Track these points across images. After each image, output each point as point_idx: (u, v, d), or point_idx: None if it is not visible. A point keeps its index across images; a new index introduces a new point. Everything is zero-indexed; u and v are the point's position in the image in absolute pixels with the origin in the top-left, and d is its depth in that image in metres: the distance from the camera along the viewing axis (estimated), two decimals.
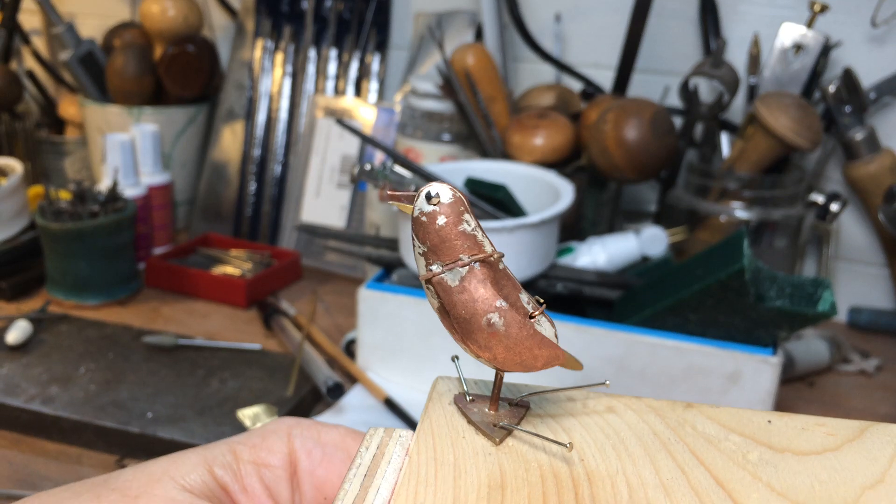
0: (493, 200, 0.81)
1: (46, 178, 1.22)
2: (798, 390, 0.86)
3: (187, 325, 0.90)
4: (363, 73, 1.13)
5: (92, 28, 1.25)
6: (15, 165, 1.04)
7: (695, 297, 0.71)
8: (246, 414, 0.67)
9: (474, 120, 0.89)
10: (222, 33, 1.24)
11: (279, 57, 1.15)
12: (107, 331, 0.83)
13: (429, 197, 0.30)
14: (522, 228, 0.74)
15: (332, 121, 1.10)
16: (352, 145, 1.09)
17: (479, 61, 0.89)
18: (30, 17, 1.27)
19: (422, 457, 0.31)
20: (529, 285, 0.79)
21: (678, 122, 0.95)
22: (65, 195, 0.96)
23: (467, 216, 0.30)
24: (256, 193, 1.15)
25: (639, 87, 0.99)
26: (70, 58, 1.10)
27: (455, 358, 0.36)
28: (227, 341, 0.83)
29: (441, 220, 0.30)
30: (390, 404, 0.73)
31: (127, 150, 1.02)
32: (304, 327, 0.85)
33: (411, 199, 0.31)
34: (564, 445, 0.30)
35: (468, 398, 0.34)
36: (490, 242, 0.31)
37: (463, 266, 0.30)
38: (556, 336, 0.32)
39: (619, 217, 0.98)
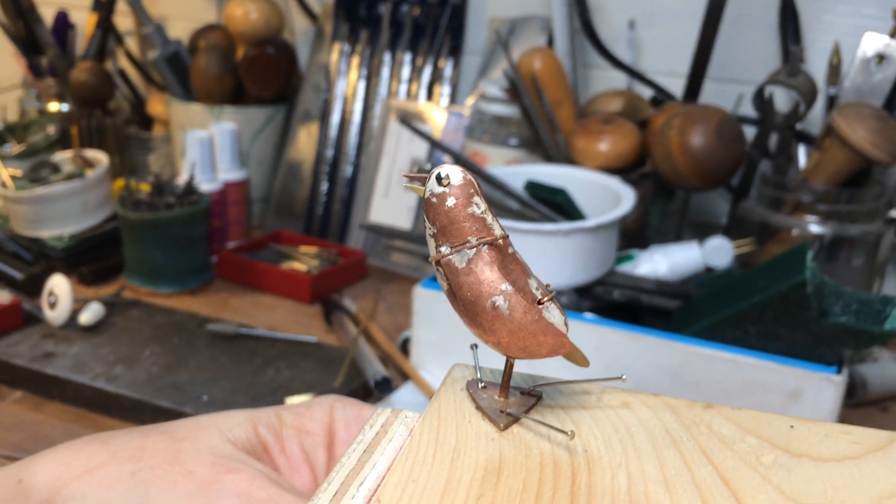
0: (552, 204, 0.81)
1: (133, 172, 1.27)
2: (870, 414, 0.82)
3: (253, 316, 0.93)
4: (436, 78, 1.14)
5: (181, 30, 1.30)
6: (101, 158, 1.10)
7: (755, 308, 0.69)
8: (294, 402, 0.68)
9: (539, 124, 0.88)
10: (302, 36, 1.27)
11: (355, 60, 1.18)
12: (174, 317, 0.86)
13: (439, 178, 0.30)
14: (579, 232, 0.73)
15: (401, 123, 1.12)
16: (421, 148, 1.10)
17: (547, 66, 0.88)
18: (123, 19, 1.33)
19: (423, 437, 0.31)
20: (585, 291, 0.78)
21: (752, 131, 0.93)
22: (145, 187, 1.00)
23: (477, 199, 0.30)
24: (328, 193, 1.17)
25: (712, 95, 0.96)
26: (157, 57, 1.15)
27: (473, 346, 0.36)
28: (287, 333, 0.85)
29: (450, 202, 0.30)
30: None
31: (205, 147, 1.06)
32: (361, 323, 0.86)
33: (425, 182, 0.31)
34: (566, 433, 0.30)
35: (480, 385, 0.34)
36: (500, 226, 0.31)
37: (470, 248, 0.30)
38: (566, 325, 0.32)
39: (687, 227, 0.95)
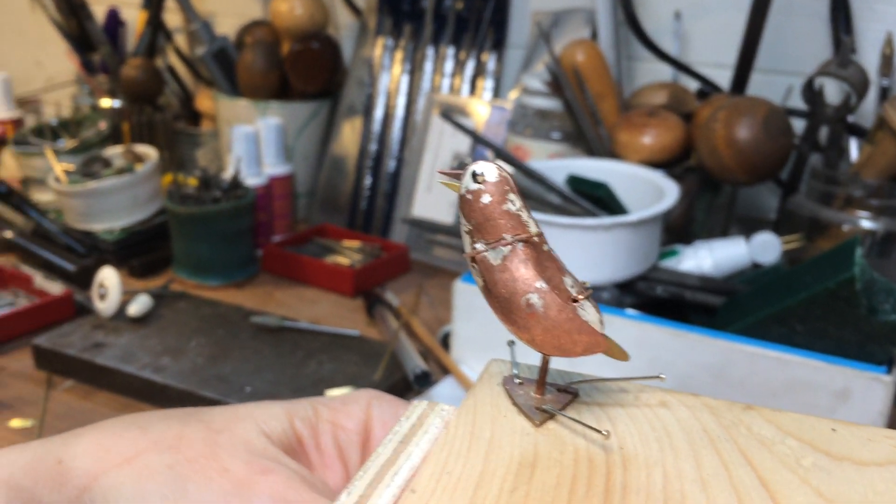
0: (594, 198, 0.80)
1: (181, 167, 1.30)
2: None
3: (296, 309, 0.94)
4: (479, 72, 1.14)
5: (228, 26, 1.32)
6: (150, 153, 1.12)
7: (801, 305, 0.67)
8: (334, 394, 0.69)
9: (581, 117, 0.88)
10: (347, 31, 1.28)
11: (398, 54, 1.18)
12: (220, 309, 0.87)
13: (474, 175, 0.30)
14: (620, 227, 0.72)
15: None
16: (464, 142, 1.10)
17: (589, 58, 0.88)
18: (172, 16, 1.35)
19: (459, 430, 0.31)
20: (628, 286, 0.78)
21: (801, 124, 0.91)
22: (192, 182, 1.02)
23: (512, 195, 0.30)
24: (371, 187, 1.18)
25: (760, 86, 0.95)
26: (204, 53, 1.17)
27: (510, 343, 0.36)
28: (329, 326, 0.86)
29: (485, 199, 0.30)
30: None
31: (251, 142, 1.07)
32: (403, 317, 0.86)
33: (460, 179, 0.31)
34: (601, 433, 0.30)
35: (517, 381, 0.34)
36: (535, 223, 0.31)
37: (505, 245, 0.30)
38: (602, 323, 0.31)
39: (734, 223, 0.94)
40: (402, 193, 1.14)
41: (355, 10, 1.24)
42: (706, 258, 0.79)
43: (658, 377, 0.34)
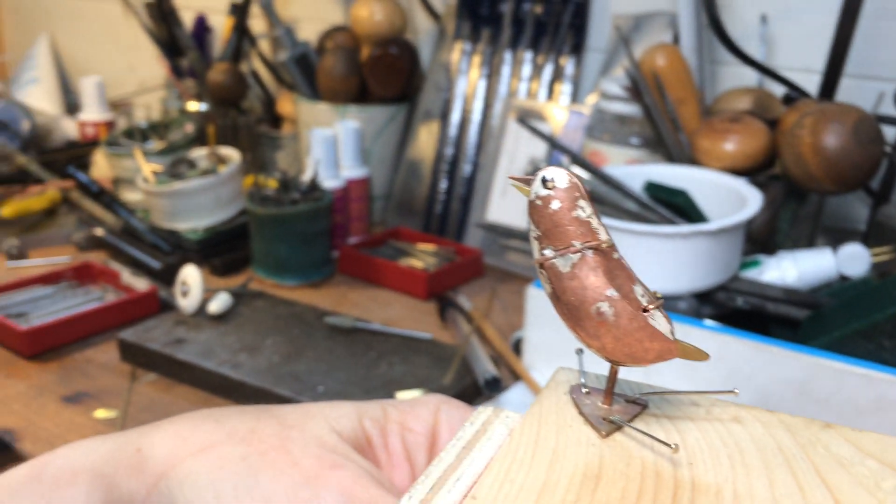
0: (672, 206, 0.78)
1: (262, 169, 1.33)
2: None
3: (370, 310, 0.95)
4: (557, 76, 1.13)
5: (311, 31, 1.35)
6: (233, 155, 1.15)
7: (890, 320, 0.65)
8: (404, 397, 0.69)
9: (660, 123, 0.86)
10: (425, 36, 1.29)
11: (476, 59, 1.18)
12: (296, 309, 0.89)
13: (544, 181, 0.30)
14: (699, 235, 0.71)
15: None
16: (540, 147, 1.09)
17: (670, 63, 0.86)
18: (258, 22, 1.39)
19: (523, 438, 0.31)
20: (707, 297, 0.76)
21: (893, 132, 0.87)
22: (272, 184, 1.05)
23: (582, 202, 0.30)
24: (447, 191, 1.18)
25: (850, 92, 0.91)
26: (286, 58, 1.19)
27: (579, 351, 0.36)
28: (402, 328, 0.86)
29: (555, 205, 0.30)
30: None
31: (329, 145, 1.09)
32: (474, 321, 0.86)
33: (531, 184, 0.31)
34: (669, 446, 0.29)
35: (584, 390, 0.34)
36: (606, 231, 0.30)
37: (575, 252, 0.30)
38: (672, 333, 0.31)
39: (821, 233, 0.91)
40: (477, 198, 1.14)
41: (434, 15, 1.25)
42: (790, 269, 0.77)
43: (732, 392, 0.33)
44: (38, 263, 1.05)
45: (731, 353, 0.70)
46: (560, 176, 0.30)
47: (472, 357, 0.77)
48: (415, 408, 0.40)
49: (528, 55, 1.15)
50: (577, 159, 0.80)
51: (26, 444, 0.67)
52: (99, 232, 1.09)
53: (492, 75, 1.17)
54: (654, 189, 0.79)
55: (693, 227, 0.70)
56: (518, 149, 1.11)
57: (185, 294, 0.87)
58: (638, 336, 0.30)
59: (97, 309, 0.86)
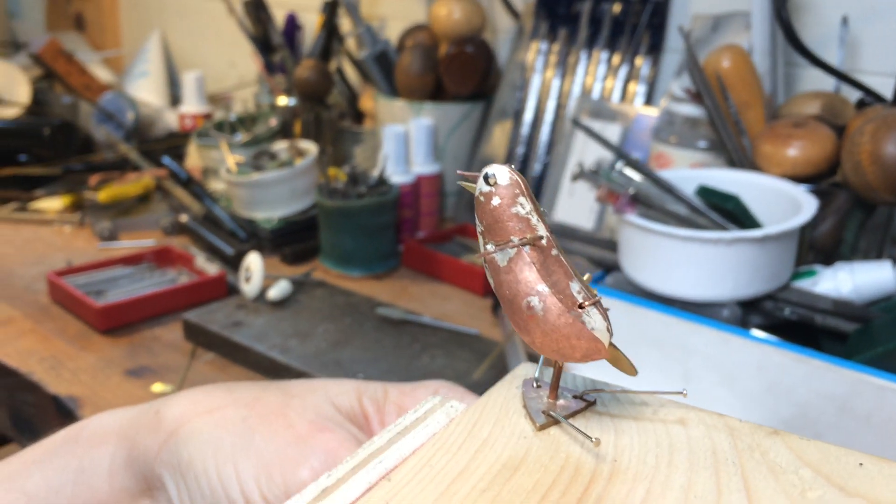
0: (725, 212, 0.76)
1: (343, 162, 1.37)
2: None
3: (427, 304, 0.97)
4: (632, 76, 1.12)
5: (398, 30, 1.38)
6: (311, 148, 1.19)
7: None
8: None
9: (722, 126, 0.84)
10: (505, 35, 1.30)
11: (552, 58, 1.18)
12: (352, 299, 0.92)
13: (486, 178, 0.31)
14: (743, 242, 0.69)
15: (593, 122, 1.11)
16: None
17: (735, 65, 0.84)
18: (347, 20, 1.43)
19: (459, 427, 0.32)
20: (752, 305, 0.74)
21: None
22: (342, 177, 1.08)
23: (522, 199, 0.31)
24: None
25: None
26: (366, 56, 1.23)
27: None
28: (453, 323, 0.88)
29: (495, 201, 0.31)
30: None
31: (400, 141, 1.12)
32: None
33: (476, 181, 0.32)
34: (591, 440, 0.30)
35: (535, 384, 0.34)
36: (546, 227, 0.31)
37: (512, 247, 0.31)
38: (609, 331, 0.31)
39: (890, 245, 0.86)
40: (546, 197, 1.14)
41: (514, 14, 1.26)
42: (846, 281, 0.74)
43: (680, 393, 0.33)
44: (125, 246, 1.12)
45: (772, 364, 0.68)
46: (502, 173, 0.31)
47: (511, 354, 0.78)
48: (415, 390, 0.42)
49: (604, 55, 1.14)
50: (630, 161, 0.79)
51: (86, 411, 0.72)
52: (183, 218, 1.16)
53: (566, 75, 1.17)
54: (707, 193, 0.77)
55: (736, 234, 0.68)
56: (587, 148, 1.11)
57: (247, 280, 0.91)
58: (565, 332, 0.30)
59: (167, 290, 0.91)
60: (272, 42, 1.43)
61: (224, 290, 0.96)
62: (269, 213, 1.14)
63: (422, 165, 1.16)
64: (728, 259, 0.69)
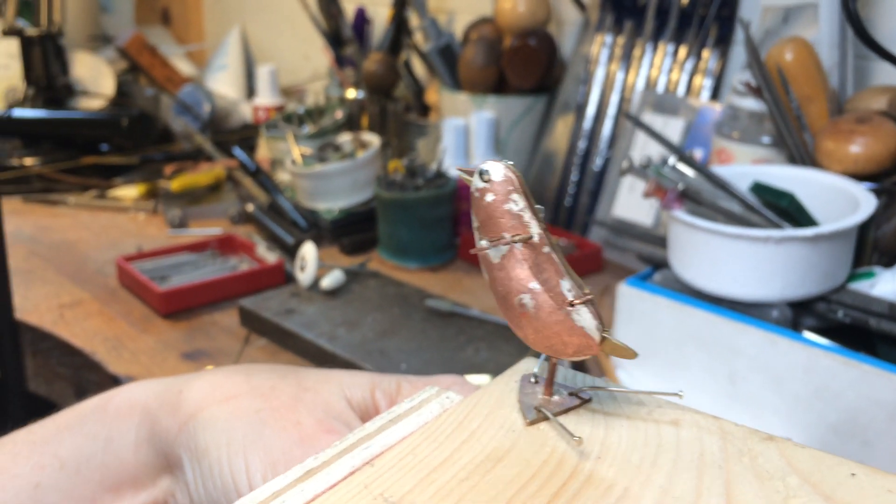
0: (780, 209, 0.74)
1: (406, 155, 1.38)
2: None
3: (478, 297, 0.97)
4: (698, 69, 1.09)
5: (465, 23, 1.38)
6: (374, 140, 1.21)
7: None
8: (472, 380, 0.71)
9: (782, 121, 0.82)
10: (572, 27, 1.28)
11: (617, 51, 1.17)
12: (403, 290, 0.93)
13: (481, 174, 0.31)
14: (793, 241, 0.67)
15: (656, 116, 1.09)
16: (673, 140, 1.06)
17: (798, 57, 0.81)
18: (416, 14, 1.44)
19: (450, 418, 0.32)
20: (804, 307, 0.71)
21: None
22: (402, 169, 1.09)
23: (515, 196, 0.31)
24: (577, 184, 1.18)
25: None
26: (430, 49, 1.24)
27: None
28: (500, 317, 0.88)
29: (489, 197, 0.31)
30: None
31: (460, 134, 1.12)
32: None
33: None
34: (574, 438, 0.30)
35: (532, 379, 0.35)
36: (539, 224, 0.31)
37: (505, 244, 0.31)
38: (599, 329, 0.31)
39: None
40: (606, 192, 1.13)
41: (580, 6, 1.25)
42: None
43: (676, 394, 0.32)
44: (193, 233, 1.16)
45: (820, 367, 0.66)
46: (496, 169, 0.31)
47: None
48: (428, 384, 0.43)
49: (670, 47, 1.12)
50: (683, 156, 0.78)
51: None
52: (249, 207, 1.19)
53: (630, 67, 1.15)
54: (761, 190, 0.75)
55: (786, 233, 0.66)
56: (649, 144, 1.09)
57: (302, 269, 0.93)
58: (556, 329, 0.30)
59: (226, 277, 0.94)
60: (342, 36, 1.45)
61: (282, 278, 0.99)
62: (330, 204, 1.17)
63: (482, 158, 1.17)
64: (777, 258, 0.67)
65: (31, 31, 1.46)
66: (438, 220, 1.05)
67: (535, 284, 0.30)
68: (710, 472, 0.29)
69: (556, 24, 1.28)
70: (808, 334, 0.71)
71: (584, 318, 0.31)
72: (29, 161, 1.33)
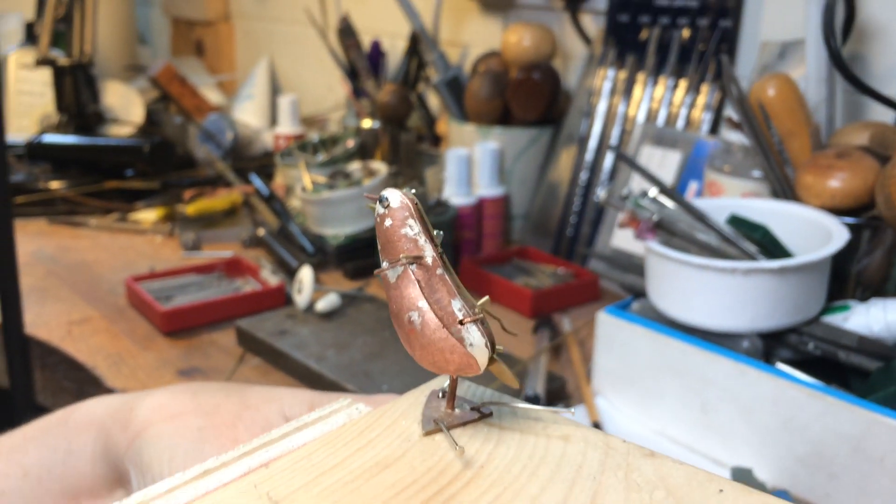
0: (756, 242, 0.75)
1: (417, 184, 1.41)
2: None
3: None
4: (696, 103, 1.11)
5: (476, 56, 1.42)
6: (381, 169, 1.24)
7: None
8: None
9: (763, 156, 0.83)
10: (578, 61, 1.31)
11: (618, 84, 1.19)
12: None
13: (381, 200, 0.34)
14: (760, 273, 0.68)
15: (655, 149, 1.11)
16: (670, 173, 1.08)
17: (780, 93, 0.83)
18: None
19: (352, 428, 0.35)
20: (777, 338, 0.72)
21: None
22: None
23: (411, 221, 0.33)
24: (578, 214, 1.20)
25: None
26: (438, 81, 1.27)
27: None
28: None
29: (388, 222, 0.33)
30: (596, 428, 0.73)
31: (462, 164, 1.15)
32: (560, 340, 0.88)
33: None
34: (456, 447, 0.32)
35: (441, 394, 0.37)
36: (433, 248, 0.33)
37: (400, 265, 0.33)
38: (488, 347, 0.33)
39: None
40: (606, 222, 1.15)
41: (586, 40, 1.27)
42: (878, 317, 0.71)
43: (569, 411, 0.34)
44: (205, 256, 1.20)
45: (787, 398, 0.66)
46: (394, 197, 0.34)
47: (531, 374, 0.79)
48: (371, 401, 0.45)
49: (670, 81, 1.14)
50: (664, 189, 0.79)
51: None
52: (261, 232, 1.23)
53: (631, 101, 1.17)
54: (737, 223, 0.77)
55: (752, 264, 0.67)
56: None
57: (299, 292, 0.96)
58: (439, 346, 0.32)
59: (226, 298, 0.98)
60: (358, 67, 1.49)
61: (283, 300, 1.02)
62: (337, 230, 1.20)
63: (486, 188, 1.19)
64: (745, 289, 0.69)
65: (62, 60, 1.53)
66: None
67: (423, 303, 0.33)
68: (582, 484, 0.31)
69: (563, 57, 1.31)
70: (780, 366, 0.72)
71: (474, 336, 0.33)
72: (55, 184, 1.39)
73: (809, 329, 0.71)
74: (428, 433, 0.34)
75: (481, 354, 0.33)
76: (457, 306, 0.33)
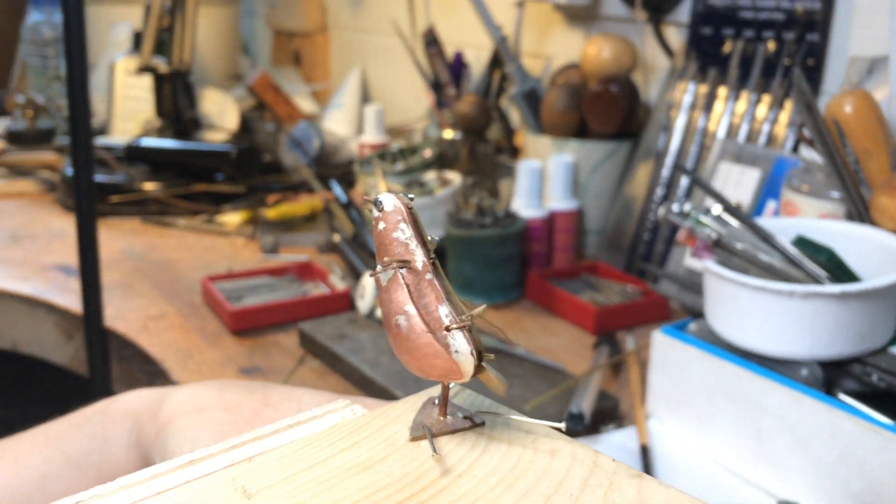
0: (824, 265, 0.72)
1: (494, 195, 1.41)
2: None
3: (535, 336, 0.99)
4: (779, 119, 1.07)
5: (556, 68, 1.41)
6: (454, 179, 1.25)
7: None
8: None
9: (837, 175, 0.79)
10: (660, 74, 1.28)
11: (699, 99, 1.16)
12: None
13: (376, 204, 0.34)
14: (820, 297, 0.65)
15: (734, 166, 1.07)
16: (748, 191, 1.04)
17: (857, 110, 0.79)
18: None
19: (342, 429, 0.35)
20: (840, 367, 0.69)
21: None
22: (472, 208, 1.13)
23: (403, 225, 0.34)
24: (652, 231, 1.17)
25: None
26: (515, 93, 1.27)
27: None
28: (547, 357, 0.89)
29: (381, 226, 0.34)
30: (644, 452, 0.71)
31: (534, 176, 1.15)
32: (619, 359, 0.86)
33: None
34: (433, 455, 0.32)
35: (436, 401, 0.37)
36: (425, 252, 0.34)
37: (391, 269, 0.33)
38: (475, 354, 0.33)
39: None
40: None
41: (668, 53, 1.25)
42: None
43: (559, 424, 0.34)
44: (281, 259, 1.24)
45: (844, 432, 0.63)
46: (388, 201, 0.34)
47: (580, 390, 0.78)
48: (370, 408, 0.46)
49: (752, 96, 1.10)
50: (728, 207, 0.77)
51: None
52: (336, 237, 1.26)
53: (711, 116, 1.14)
54: (802, 244, 0.73)
55: (810, 288, 0.64)
56: (726, 191, 1.07)
57: (361, 297, 0.98)
58: (424, 351, 0.32)
59: (293, 301, 1.00)
60: (440, 79, 1.51)
61: (348, 305, 1.04)
62: None
63: (558, 201, 1.18)
64: (803, 314, 0.66)
65: (162, 68, 1.61)
66: (504, 259, 1.08)
67: (410, 307, 0.33)
68: (558, 500, 0.30)
69: (644, 70, 1.29)
70: (842, 397, 0.68)
71: (459, 343, 0.33)
72: (149, 186, 1.46)
73: (875, 360, 0.67)
74: (414, 439, 0.34)
75: (466, 361, 0.33)
76: (444, 312, 0.33)
